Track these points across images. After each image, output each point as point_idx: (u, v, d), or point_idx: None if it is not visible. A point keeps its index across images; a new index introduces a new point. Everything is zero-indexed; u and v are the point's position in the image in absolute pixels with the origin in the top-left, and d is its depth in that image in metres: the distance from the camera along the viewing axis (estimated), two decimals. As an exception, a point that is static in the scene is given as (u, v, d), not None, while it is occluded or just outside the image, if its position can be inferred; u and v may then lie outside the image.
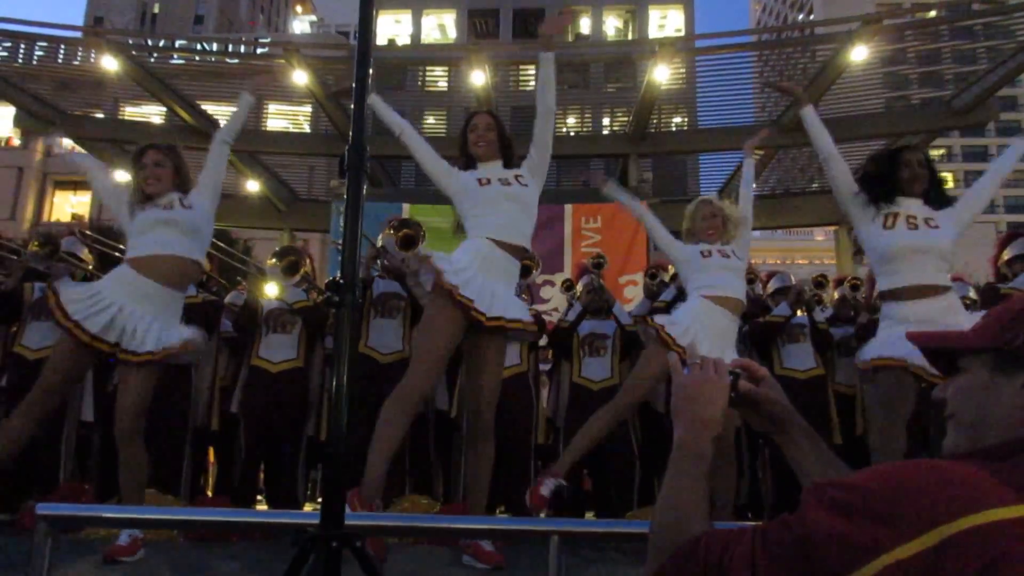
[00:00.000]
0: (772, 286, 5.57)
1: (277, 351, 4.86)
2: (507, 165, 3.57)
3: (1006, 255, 4.85)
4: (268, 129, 11.61)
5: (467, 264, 3.27)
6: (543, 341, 5.27)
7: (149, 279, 3.35)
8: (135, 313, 3.29)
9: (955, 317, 3.19)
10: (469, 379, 3.45)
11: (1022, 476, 0.84)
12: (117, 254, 5.48)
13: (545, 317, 5.39)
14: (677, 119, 12.05)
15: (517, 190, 3.46)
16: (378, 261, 5.00)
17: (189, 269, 3.49)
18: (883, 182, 3.38)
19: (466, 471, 3.39)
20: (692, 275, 3.86)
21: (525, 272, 4.76)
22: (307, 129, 12.28)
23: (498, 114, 3.80)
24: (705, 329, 3.64)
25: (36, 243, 4.92)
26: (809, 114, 3.60)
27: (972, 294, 5.44)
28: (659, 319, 3.78)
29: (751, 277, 6.01)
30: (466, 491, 3.46)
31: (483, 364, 3.34)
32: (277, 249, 5.18)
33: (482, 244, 3.36)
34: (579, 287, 5.42)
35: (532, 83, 13.68)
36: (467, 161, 3.60)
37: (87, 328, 3.21)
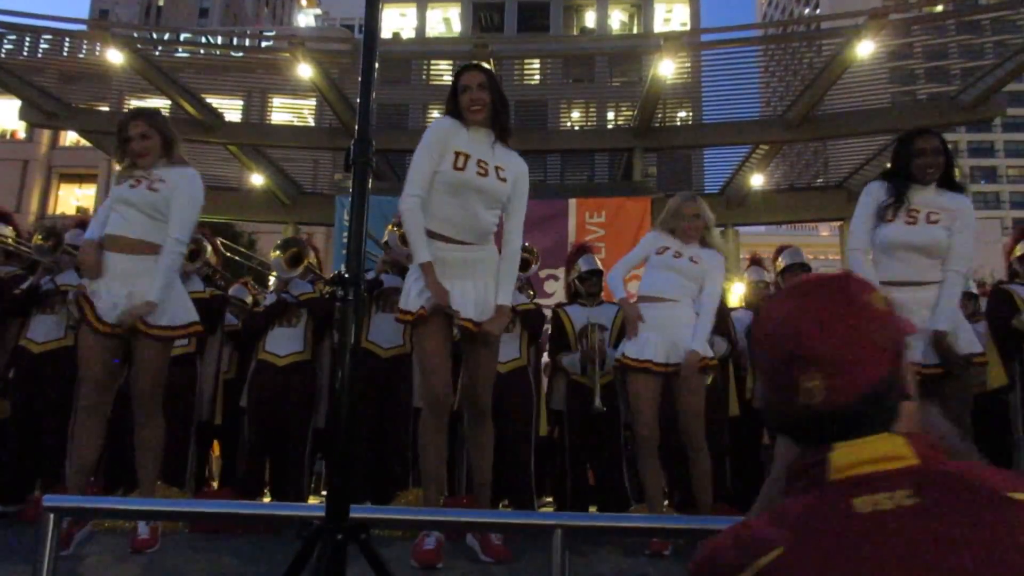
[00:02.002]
0: (783, 262, 5.44)
1: (284, 344, 4.87)
2: (499, 137, 3.24)
3: (1019, 251, 4.81)
4: (272, 123, 11.61)
5: (421, 285, 3.11)
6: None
7: (115, 253, 3.38)
8: (113, 291, 3.34)
9: (928, 312, 3.24)
10: (466, 366, 3.38)
11: (786, 514, 0.92)
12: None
13: (548, 312, 5.38)
14: (682, 113, 12.04)
15: (491, 184, 3.16)
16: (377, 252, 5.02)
17: (147, 250, 3.41)
18: (897, 173, 3.39)
19: (468, 455, 3.34)
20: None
21: (524, 265, 4.74)
22: (311, 123, 12.29)
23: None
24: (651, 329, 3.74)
25: (40, 236, 4.94)
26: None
27: (973, 288, 5.42)
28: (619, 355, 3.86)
29: (757, 261, 5.97)
30: (469, 473, 3.41)
31: (477, 353, 3.27)
32: (280, 240, 5.18)
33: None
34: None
35: (537, 77, 13.67)
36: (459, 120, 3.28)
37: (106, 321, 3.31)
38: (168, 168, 3.49)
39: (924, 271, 3.30)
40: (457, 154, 3.12)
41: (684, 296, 3.81)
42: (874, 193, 3.45)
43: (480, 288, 3.17)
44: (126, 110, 10.45)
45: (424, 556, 3.08)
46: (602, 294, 5.14)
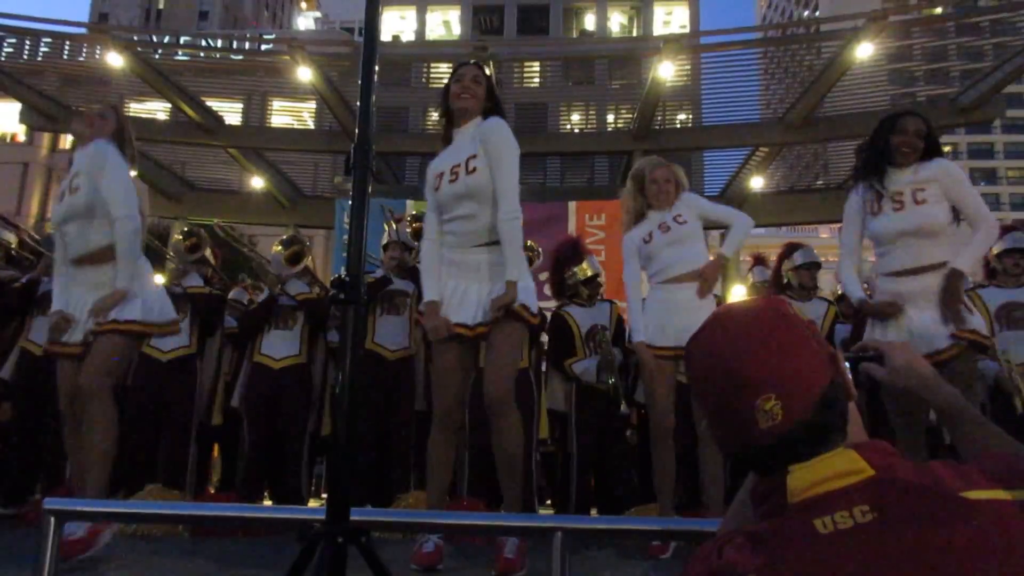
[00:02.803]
0: (798, 260, 5.34)
1: (279, 347, 4.87)
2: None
3: (995, 249, 4.70)
4: (272, 126, 11.62)
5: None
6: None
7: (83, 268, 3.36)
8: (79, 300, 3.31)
9: (933, 300, 3.10)
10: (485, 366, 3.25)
11: (758, 536, 0.92)
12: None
13: (548, 313, 5.37)
14: (682, 116, 12.06)
15: (462, 184, 3.05)
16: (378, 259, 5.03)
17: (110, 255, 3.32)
18: (872, 154, 3.27)
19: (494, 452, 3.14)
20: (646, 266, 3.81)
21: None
22: (311, 126, 12.29)
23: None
24: (668, 315, 3.63)
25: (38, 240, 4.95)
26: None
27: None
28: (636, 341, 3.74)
29: (760, 259, 5.94)
30: (499, 473, 3.16)
31: (490, 349, 3.12)
32: (283, 237, 5.20)
33: (444, 253, 3.18)
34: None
35: (536, 80, 13.68)
36: (447, 119, 3.26)
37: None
38: (81, 153, 3.41)
39: (922, 255, 3.12)
40: (435, 177, 3.15)
41: (698, 263, 3.72)
42: (853, 197, 3.38)
43: (485, 291, 3.08)
44: (125, 113, 10.46)
45: (425, 559, 3.06)
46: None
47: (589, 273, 5.07)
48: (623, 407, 4.59)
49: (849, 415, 1.01)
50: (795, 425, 0.96)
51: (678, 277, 3.69)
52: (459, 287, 3.09)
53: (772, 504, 0.97)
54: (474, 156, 3.04)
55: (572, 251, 5.16)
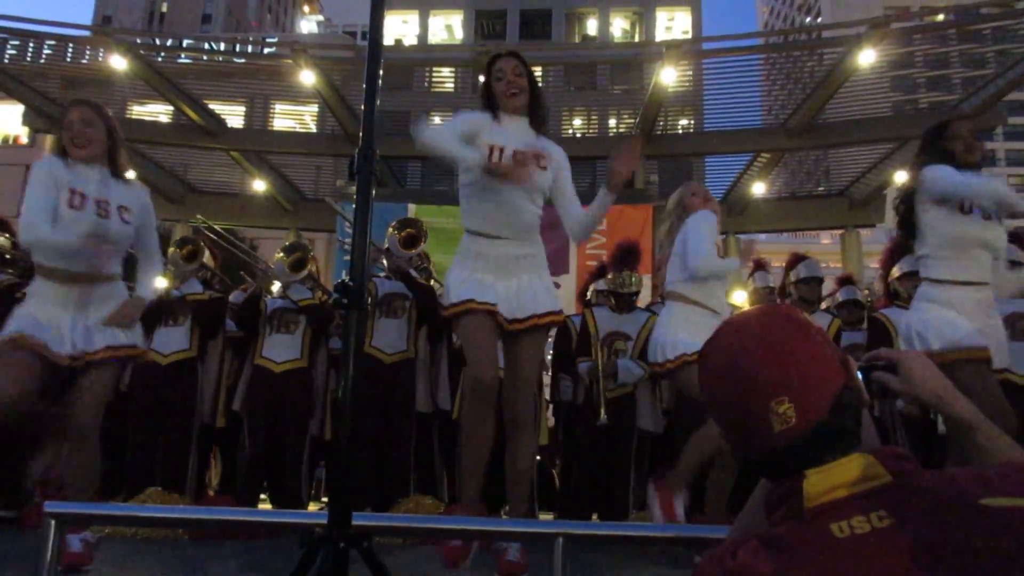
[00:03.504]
0: (802, 273, 5.27)
1: (281, 351, 4.86)
2: (534, 124, 3.14)
3: (896, 272, 4.69)
4: (274, 129, 11.64)
5: (463, 278, 3.02)
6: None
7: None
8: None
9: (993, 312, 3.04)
10: (505, 372, 3.15)
11: (773, 540, 0.93)
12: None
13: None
14: (684, 121, 12.05)
15: (532, 175, 2.98)
16: (384, 261, 5.01)
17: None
18: (940, 159, 3.10)
19: (506, 465, 3.06)
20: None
21: None
22: (313, 129, 12.31)
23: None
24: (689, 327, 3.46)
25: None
26: None
27: (861, 297, 5.36)
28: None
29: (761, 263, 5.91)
30: (507, 485, 3.10)
31: (512, 354, 3.07)
32: (286, 244, 5.19)
33: (468, 244, 3.09)
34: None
35: (539, 84, 13.68)
36: (492, 111, 3.13)
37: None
38: (116, 176, 3.30)
39: (987, 270, 3.04)
40: (492, 148, 2.97)
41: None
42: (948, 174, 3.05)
43: (516, 287, 3.01)
44: (128, 116, 10.49)
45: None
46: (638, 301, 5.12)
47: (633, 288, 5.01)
48: (602, 418, 4.58)
49: (863, 420, 1.02)
50: (809, 428, 0.97)
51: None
52: (486, 280, 3.00)
53: (788, 509, 0.97)
54: (543, 157, 3.04)
55: (629, 256, 5.11)
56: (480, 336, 2.94)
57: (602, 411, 4.62)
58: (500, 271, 3.03)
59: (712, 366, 1.07)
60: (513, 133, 3.07)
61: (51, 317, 3.01)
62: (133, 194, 3.24)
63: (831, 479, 0.95)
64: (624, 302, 4.99)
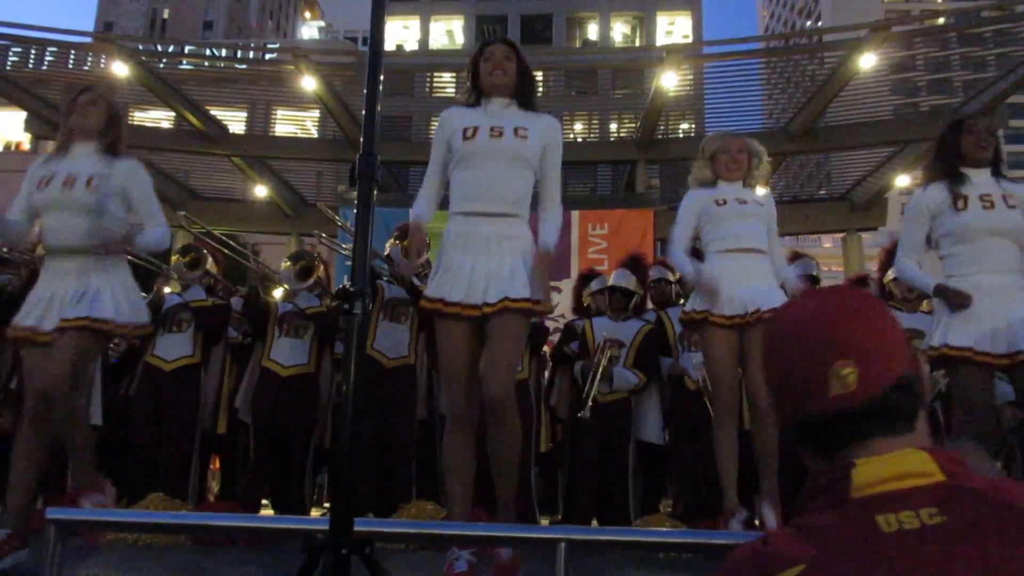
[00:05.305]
0: (797, 271, 5.20)
1: (288, 355, 4.86)
2: (523, 106, 3.06)
3: (891, 275, 4.70)
4: (276, 134, 11.66)
5: (442, 267, 2.98)
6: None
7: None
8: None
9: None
10: (483, 356, 2.97)
11: (811, 529, 0.91)
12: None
13: (551, 324, 5.36)
14: (685, 125, 12.06)
15: (508, 144, 2.92)
16: (383, 266, 5.01)
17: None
18: (947, 155, 3.23)
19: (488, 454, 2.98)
20: (705, 228, 3.54)
21: None
22: (314, 134, 12.33)
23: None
24: (733, 283, 3.36)
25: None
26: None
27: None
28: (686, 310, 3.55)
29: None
30: (492, 476, 3.04)
31: (490, 341, 2.91)
32: (291, 252, 5.20)
33: (451, 226, 3.01)
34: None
35: (539, 89, 13.71)
36: (476, 96, 3.08)
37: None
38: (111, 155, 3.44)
39: (1009, 258, 3.10)
40: (465, 129, 2.96)
41: (762, 244, 3.49)
42: (926, 197, 3.24)
43: (496, 267, 2.90)
44: (130, 122, 10.51)
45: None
46: (633, 307, 5.10)
47: (618, 282, 5.06)
48: (586, 411, 4.59)
49: (919, 416, 0.99)
50: (867, 398, 0.95)
51: (747, 248, 3.44)
52: (464, 262, 2.92)
53: (832, 496, 0.95)
54: (524, 128, 2.96)
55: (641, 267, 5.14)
56: (451, 350, 2.92)
57: (588, 405, 4.61)
58: (481, 251, 2.93)
59: (783, 321, 1.07)
60: (495, 113, 3.01)
61: (54, 290, 3.22)
62: (116, 167, 3.32)
63: (883, 470, 0.93)
64: (624, 303, 5.02)
